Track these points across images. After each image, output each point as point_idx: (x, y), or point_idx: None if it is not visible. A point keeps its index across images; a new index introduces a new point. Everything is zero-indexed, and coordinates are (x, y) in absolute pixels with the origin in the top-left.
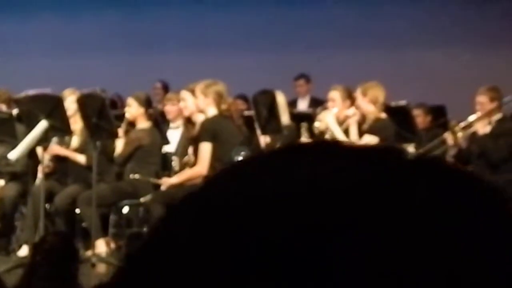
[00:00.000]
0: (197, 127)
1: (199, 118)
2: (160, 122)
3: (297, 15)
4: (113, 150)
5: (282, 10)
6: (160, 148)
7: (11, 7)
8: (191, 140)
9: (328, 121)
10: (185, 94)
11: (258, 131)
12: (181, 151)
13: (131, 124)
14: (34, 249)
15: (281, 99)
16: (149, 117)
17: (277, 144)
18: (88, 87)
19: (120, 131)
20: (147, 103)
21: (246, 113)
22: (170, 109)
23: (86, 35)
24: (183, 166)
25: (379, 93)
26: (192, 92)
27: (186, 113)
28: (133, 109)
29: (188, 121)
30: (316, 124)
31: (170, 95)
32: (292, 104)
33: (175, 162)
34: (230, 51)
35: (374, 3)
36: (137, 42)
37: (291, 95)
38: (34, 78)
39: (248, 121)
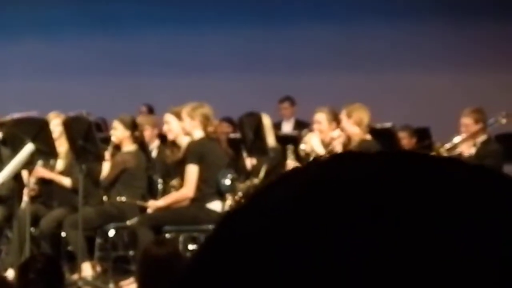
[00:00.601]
0: (182, 149)
1: (183, 141)
2: (145, 145)
3: (281, 37)
4: (98, 173)
5: (267, 33)
6: (146, 171)
7: None
8: (177, 162)
9: (313, 143)
10: (168, 117)
11: (244, 153)
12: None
13: (117, 147)
14: (24, 267)
15: (267, 122)
16: (135, 140)
17: (263, 166)
18: (73, 110)
19: (106, 154)
20: (132, 126)
21: (232, 135)
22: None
23: (70, 58)
24: (169, 189)
25: (363, 115)
26: (176, 115)
27: (171, 136)
28: (118, 132)
29: (173, 144)
30: (302, 146)
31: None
32: (276, 126)
33: (161, 185)
34: (215, 74)
35: (360, 25)
36: (121, 65)
37: (275, 117)
38: (19, 101)
39: (234, 143)
